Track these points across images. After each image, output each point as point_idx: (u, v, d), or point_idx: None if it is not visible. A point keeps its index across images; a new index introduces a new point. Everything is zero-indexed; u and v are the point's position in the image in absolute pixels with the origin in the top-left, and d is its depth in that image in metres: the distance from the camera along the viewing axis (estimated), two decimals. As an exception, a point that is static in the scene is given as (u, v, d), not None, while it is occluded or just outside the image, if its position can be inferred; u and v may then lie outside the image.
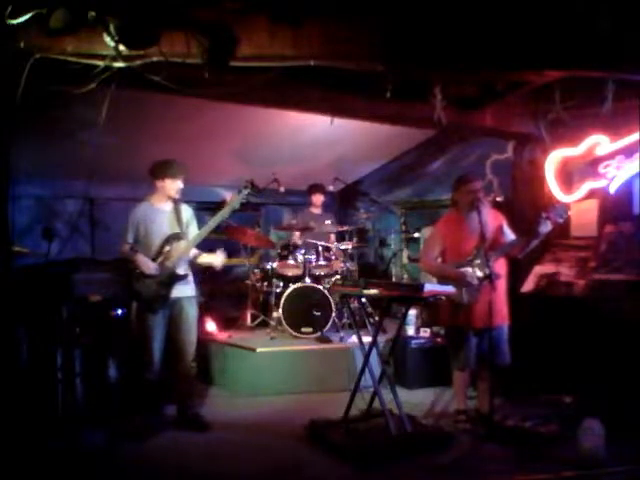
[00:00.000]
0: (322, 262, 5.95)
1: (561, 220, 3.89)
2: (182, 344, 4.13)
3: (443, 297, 3.92)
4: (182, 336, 4.12)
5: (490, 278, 3.70)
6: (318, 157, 6.69)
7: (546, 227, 3.84)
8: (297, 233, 6.34)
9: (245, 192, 4.09)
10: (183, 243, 4.12)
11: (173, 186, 4.11)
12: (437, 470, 3.48)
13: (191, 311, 4.18)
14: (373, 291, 3.87)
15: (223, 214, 4.06)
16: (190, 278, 4.19)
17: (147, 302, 4.01)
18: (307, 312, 5.54)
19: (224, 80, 3.48)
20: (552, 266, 4.86)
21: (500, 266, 3.96)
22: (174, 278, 4.07)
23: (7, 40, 2.92)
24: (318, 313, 5.54)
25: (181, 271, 4.13)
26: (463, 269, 3.91)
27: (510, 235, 4.07)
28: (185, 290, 4.15)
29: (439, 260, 4.15)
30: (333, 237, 6.57)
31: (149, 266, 4.00)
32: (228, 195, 4.22)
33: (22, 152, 3.78)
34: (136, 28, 2.84)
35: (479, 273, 3.87)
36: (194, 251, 4.22)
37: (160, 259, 4.06)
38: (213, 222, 4.08)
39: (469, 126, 5.10)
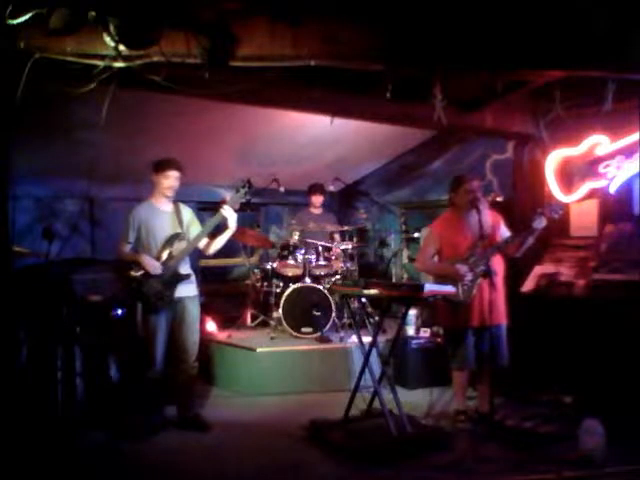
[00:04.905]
0: (322, 262, 5.95)
1: (556, 216, 3.90)
2: (185, 344, 4.13)
3: (440, 297, 3.92)
4: (185, 336, 4.12)
5: (489, 276, 3.71)
6: (318, 157, 6.69)
7: (540, 223, 3.85)
8: (296, 233, 6.34)
9: (243, 191, 4.09)
10: (184, 243, 4.13)
11: (165, 182, 4.09)
12: (437, 470, 3.47)
13: (194, 311, 4.18)
14: (373, 291, 3.87)
15: (222, 214, 4.06)
16: (192, 278, 4.19)
17: (151, 302, 4.01)
18: (307, 312, 5.54)
19: (224, 80, 3.49)
20: (552, 266, 4.86)
21: (497, 264, 3.97)
22: (177, 278, 4.07)
23: (7, 40, 2.92)
24: (318, 313, 5.54)
25: (183, 271, 4.13)
26: (457, 265, 3.92)
27: (506, 233, 4.09)
28: (188, 290, 4.15)
29: (435, 259, 4.16)
30: (338, 237, 6.57)
31: (154, 266, 4.00)
32: (228, 195, 4.21)
33: (22, 152, 3.78)
34: (136, 28, 2.85)
35: (474, 271, 3.88)
36: (204, 241, 4.18)
37: (163, 259, 4.06)
38: (213, 222, 4.08)
39: (469, 126, 5.10)
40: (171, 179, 4.10)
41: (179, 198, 4.28)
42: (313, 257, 5.90)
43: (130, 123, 4.89)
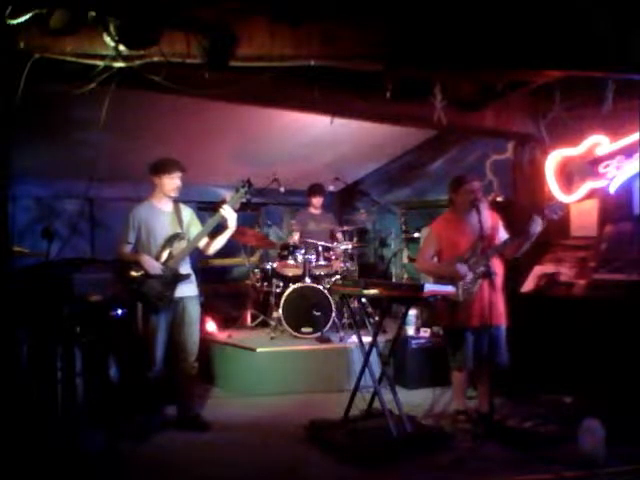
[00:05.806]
0: (322, 262, 5.95)
1: (556, 216, 3.89)
2: (185, 344, 4.13)
3: (440, 297, 3.92)
4: (185, 336, 4.12)
5: (490, 276, 3.71)
6: (318, 157, 6.69)
7: (536, 228, 3.84)
8: (296, 234, 6.34)
9: (243, 190, 4.09)
10: (184, 243, 4.13)
11: (170, 183, 4.10)
12: (437, 470, 3.48)
13: (194, 311, 4.18)
14: (373, 291, 3.87)
15: (222, 214, 4.06)
16: (192, 278, 4.19)
17: (151, 302, 4.01)
18: (307, 312, 5.55)
19: (224, 80, 3.49)
20: (552, 266, 4.86)
21: (497, 265, 3.97)
22: (177, 278, 4.07)
23: (7, 40, 2.92)
24: (318, 313, 5.54)
25: (184, 271, 4.13)
26: (457, 266, 3.92)
27: (505, 235, 4.09)
28: (188, 290, 4.15)
29: (435, 259, 4.16)
30: (340, 236, 6.56)
31: (154, 266, 4.00)
32: (228, 195, 4.21)
33: (22, 152, 3.78)
34: (136, 28, 2.85)
35: (474, 271, 3.89)
36: (204, 241, 4.18)
37: (163, 259, 4.06)
38: (213, 222, 4.08)
39: (469, 126, 5.10)
40: (176, 180, 4.11)
41: (179, 198, 4.28)
42: (313, 257, 5.89)
43: (130, 123, 4.89)
